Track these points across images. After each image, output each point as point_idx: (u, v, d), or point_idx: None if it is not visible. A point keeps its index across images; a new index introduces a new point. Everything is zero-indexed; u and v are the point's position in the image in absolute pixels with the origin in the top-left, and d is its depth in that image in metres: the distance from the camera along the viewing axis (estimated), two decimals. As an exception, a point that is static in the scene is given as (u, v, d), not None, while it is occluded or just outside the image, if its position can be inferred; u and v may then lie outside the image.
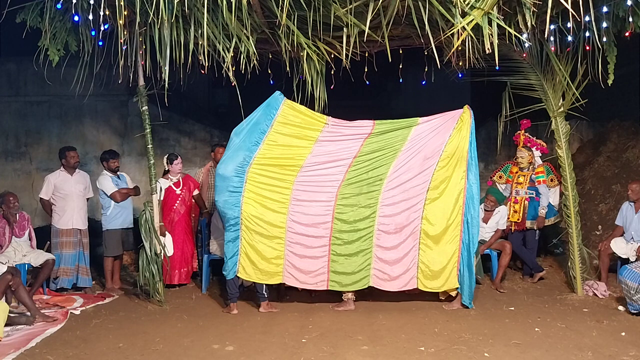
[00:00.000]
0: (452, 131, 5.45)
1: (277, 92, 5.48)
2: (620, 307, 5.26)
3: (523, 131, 6.59)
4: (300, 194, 5.39)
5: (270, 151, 5.41)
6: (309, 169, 5.46)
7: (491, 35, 4.35)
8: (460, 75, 6.24)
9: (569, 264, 5.94)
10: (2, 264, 5.20)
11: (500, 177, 6.94)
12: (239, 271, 5.33)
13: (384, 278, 5.38)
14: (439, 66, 4.99)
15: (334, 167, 5.50)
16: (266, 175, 5.37)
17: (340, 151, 5.52)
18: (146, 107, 5.63)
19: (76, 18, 5.03)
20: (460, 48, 4.97)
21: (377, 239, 5.38)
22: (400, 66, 5.95)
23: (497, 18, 4.35)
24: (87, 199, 6.59)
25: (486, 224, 6.34)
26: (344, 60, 5.33)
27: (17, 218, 5.98)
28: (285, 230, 5.34)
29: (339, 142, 5.54)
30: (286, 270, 5.37)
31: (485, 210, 6.32)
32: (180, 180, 6.52)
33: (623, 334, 4.51)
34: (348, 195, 5.41)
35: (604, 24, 5.12)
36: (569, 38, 5.34)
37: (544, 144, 6.68)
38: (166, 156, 6.59)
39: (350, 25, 4.95)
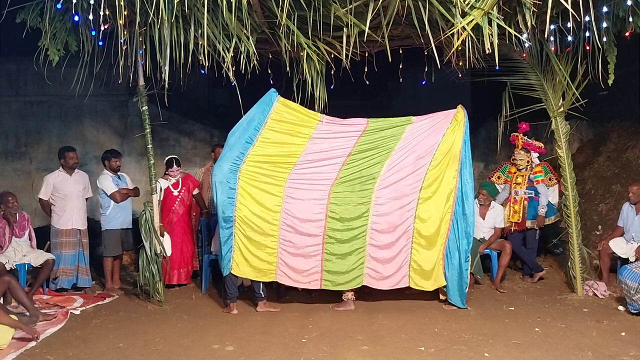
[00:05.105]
0: (446, 131, 5.45)
1: (272, 90, 5.49)
2: (620, 307, 5.26)
3: (521, 134, 6.59)
4: (293, 192, 5.38)
5: (264, 148, 5.42)
6: (302, 166, 5.47)
7: (491, 35, 4.35)
8: (460, 75, 6.23)
9: (569, 264, 5.94)
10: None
11: (499, 177, 6.96)
12: (232, 268, 5.32)
13: (377, 277, 5.38)
14: (439, 66, 4.98)
15: (327, 165, 5.50)
16: (259, 172, 5.37)
17: (333, 149, 5.53)
18: (146, 107, 5.64)
19: (76, 18, 5.02)
20: (460, 48, 4.96)
21: (371, 237, 5.36)
22: (400, 66, 5.95)
23: (497, 18, 4.35)
24: (87, 199, 6.59)
25: (483, 219, 6.35)
26: (344, 60, 5.33)
27: (17, 218, 5.98)
28: (279, 228, 5.34)
29: (332, 139, 5.55)
30: (279, 269, 5.36)
31: (479, 204, 6.34)
32: (180, 180, 6.52)
33: (623, 334, 4.52)
34: (341, 193, 5.40)
35: (604, 24, 5.12)
36: (569, 38, 5.35)
37: (542, 145, 6.68)
38: (165, 160, 6.60)
39: (350, 25, 4.95)
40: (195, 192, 6.64)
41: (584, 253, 5.90)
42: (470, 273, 5.68)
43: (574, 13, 4.13)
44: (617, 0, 4.97)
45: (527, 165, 6.63)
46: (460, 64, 5.91)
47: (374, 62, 5.84)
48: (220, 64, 5.19)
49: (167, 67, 4.93)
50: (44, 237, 6.39)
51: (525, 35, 5.12)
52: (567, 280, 6.21)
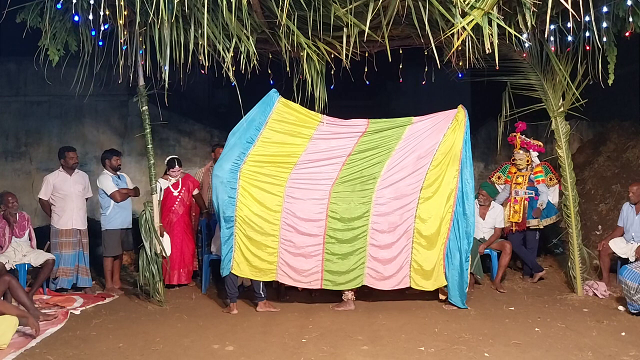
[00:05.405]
0: (447, 131, 5.46)
1: (273, 90, 5.50)
2: (620, 307, 5.26)
3: (519, 134, 6.59)
4: (293, 192, 5.39)
5: (265, 148, 5.43)
6: (303, 166, 5.48)
7: (491, 35, 4.35)
8: (460, 75, 6.24)
9: (569, 264, 5.94)
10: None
11: (499, 177, 6.97)
12: (233, 268, 5.33)
13: (377, 277, 5.39)
14: (439, 66, 4.98)
15: (327, 164, 5.51)
16: (260, 172, 5.37)
17: (334, 149, 5.54)
18: (146, 107, 5.64)
19: (76, 18, 5.02)
20: (460, 48, 4.96)
21: (372, 237, 5.37)
22: (400, 66, 5.95)
23: (497, 18, 4.35)
24: (87, 199, 6.59)
25: (483, 219, 6.35)
26: (344, 60, 5.33)
27: (17, 218, 5.98)
28: (279, 227, 5.34)
29: (333, 140, 5.56)
30: (280, 269, 5.37)
31: (479, 204, 6.35)
32: (180, 180, 6.52)
33: (623, 334, 4.52)
34: (341, 193, 5.41)
35: (604, 24, 5.12)
36: (569, 38, 5.34)
37: (541, 144, 6.68)
38: (167, 160, 6.61)
39: (350, 25, 4.95)
40: (195, 192, 6.64)
41: (584, 253, 5.90)
42: (470, 273, 5.68)
43: (574, 13, 4.13)
44: (617, 0, 4.97)
45: (527, 165, 6.64)
46: (460, 64, 5.91)
47: (374, 62, 5.84)
48: (220, 64, 5.19)
49: (167, 67, 4.93)
50: (44, 237, 6.39)
51: (525, 35, 5.12)
52: (567, 280, 6.21)
